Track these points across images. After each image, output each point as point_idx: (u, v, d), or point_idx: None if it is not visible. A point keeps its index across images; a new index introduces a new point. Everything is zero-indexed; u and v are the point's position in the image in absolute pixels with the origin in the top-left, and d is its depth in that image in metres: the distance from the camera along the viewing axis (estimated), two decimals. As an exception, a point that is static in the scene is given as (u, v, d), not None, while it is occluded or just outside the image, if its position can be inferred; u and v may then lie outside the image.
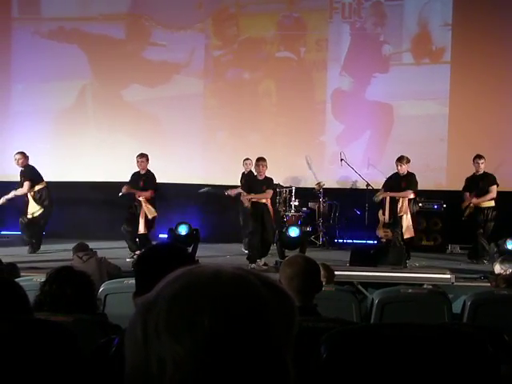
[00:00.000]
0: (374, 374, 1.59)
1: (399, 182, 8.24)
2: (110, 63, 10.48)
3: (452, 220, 9.17)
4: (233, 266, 0.85)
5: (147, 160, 8.36)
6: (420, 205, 9.57)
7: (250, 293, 0.80)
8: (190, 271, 0.84)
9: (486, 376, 1.61)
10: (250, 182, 8.34)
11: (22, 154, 8.46)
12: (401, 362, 1.59)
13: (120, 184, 8.53)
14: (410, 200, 8.25)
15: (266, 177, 8.07)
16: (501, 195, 8.33)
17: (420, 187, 10.00)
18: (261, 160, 8.04)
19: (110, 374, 1.54)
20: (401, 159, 8.22)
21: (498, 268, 5.08)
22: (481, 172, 8.28)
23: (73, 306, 2.68)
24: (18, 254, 7.98)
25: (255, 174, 8.27)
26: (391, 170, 9.34)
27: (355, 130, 10.18)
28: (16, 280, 2.73)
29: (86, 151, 10.12)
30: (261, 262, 7.76)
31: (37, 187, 8.44)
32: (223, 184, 9.83)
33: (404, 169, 8.19)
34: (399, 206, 8.23)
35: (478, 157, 8.28)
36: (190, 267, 0.85)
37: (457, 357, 1.62)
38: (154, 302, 0.81)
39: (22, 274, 4.84)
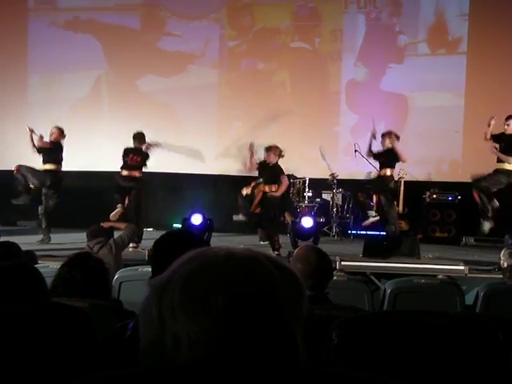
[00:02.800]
0: (385, 360, 1.61)
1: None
2: (125, 53, 10.52)
3: (466, 212, 9.12)
4: (243, 248, 0.88)
5: None
6: (434, 196, 9.56)
7: (262, 273, 0.83)
8: (203, 253, 0.87)
9: (496, 364, 1.63)
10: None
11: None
12: (411, 348, 1.61)
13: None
14: None
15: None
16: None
17: (434, 178, 9.99)
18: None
19: (125, 356, 1.58)
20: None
21: (504, 259, 5.11)
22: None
23: (83, 291, 2.71)
24: (35, 242, 8.09)
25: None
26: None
27: (369, 121, 10.12)
28: (33, 266, 2.78)
29: (101, 141, 10.18)
30: None
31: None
32: (237, 174, 9.87)
33: None
34: None
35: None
36: (201, 249, 0.88)
37: (467, 344, 1.63)
38: (169, 282, 0.84)
39: (39, 261, 4.91)
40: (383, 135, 8.32)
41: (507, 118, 7.76)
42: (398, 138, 8.29)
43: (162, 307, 0.82)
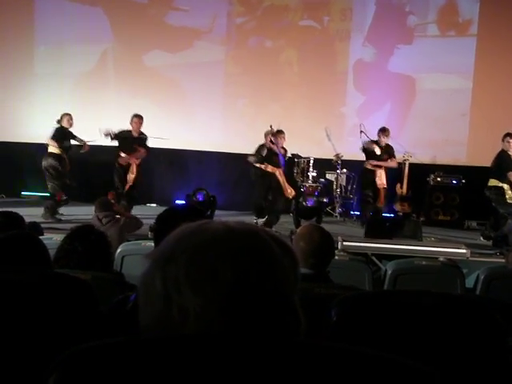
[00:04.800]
0: (383, 339, 1.63)
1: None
2: (132, 27, 10.45)
3: (470, 195, 9.11)
4: (236, 222, 0.89)
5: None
6: (438, 179, 9.55)
7: (263, 246, 0.85)
8: (204, 227, 0.87)
9: (493, 345, 1.64)
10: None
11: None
12: (409, 327, 1.62)
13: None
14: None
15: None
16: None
17: (439, 162, 9.96)
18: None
19: (126, 328, 1.60)
20: (386, 130, 8.49)
21: None
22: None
23: (85, 264, 2.73)
24: (39, 214, 8.12)
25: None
26: (411, 143, 9.30)
27: (376, 102, 10.09)
28: (37, 238, 2.79)
29: (106, 115, 10.15)
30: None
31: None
32: (242, 152, 9.85)
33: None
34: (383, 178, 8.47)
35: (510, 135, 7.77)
36: (199, 223, 0.89)
37: (465, 325, 1.65)
38: (172, 256, 0.84)
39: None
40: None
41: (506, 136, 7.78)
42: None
43: (166, 280, 0.83)
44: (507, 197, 7.72)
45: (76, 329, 1.57)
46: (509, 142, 7.75)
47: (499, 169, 7.71)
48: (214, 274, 0.81)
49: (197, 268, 0.82)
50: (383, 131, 8.60)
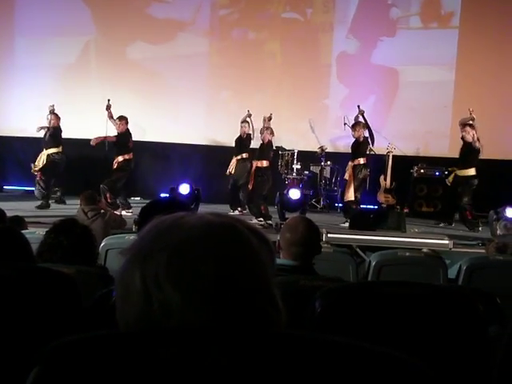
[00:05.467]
0: (367, 329, 1.64)
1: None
2: (115, 19, 10.35)
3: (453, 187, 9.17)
4: (212, 213, 0.89)
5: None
6: (422, 171, 9.61)
7: (242, 239, 0.85)
8: (180, 221, 0.86)
9: (475, 333, 1.66)
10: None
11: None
12: (393, 317, 1.63)
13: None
14: (356, 165, 8.29)
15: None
16: (503, 163, 8.33)
17: (422, 153, 10.02)
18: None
19: (109, 321, 1.59)
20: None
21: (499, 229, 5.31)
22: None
23: (70, 258, 2.71)
24: (22, 208, 8.04)
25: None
26: (395, 135, 9.34)
27: (359, 94, 10.11)
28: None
29: (89, 108, 10.06)
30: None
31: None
32: (226, 145, 9.83)
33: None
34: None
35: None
36: (175, 217, 0.87)
37: (448, 314, 1.66)
38: (150, 253, 0.83)
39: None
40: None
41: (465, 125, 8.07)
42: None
43: (145, 278, 0.82)
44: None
45: (59, 323, 1.56)
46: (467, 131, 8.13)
47: None
48: (195, 269, 0.81)
49: (177, 264, 0.81)
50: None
